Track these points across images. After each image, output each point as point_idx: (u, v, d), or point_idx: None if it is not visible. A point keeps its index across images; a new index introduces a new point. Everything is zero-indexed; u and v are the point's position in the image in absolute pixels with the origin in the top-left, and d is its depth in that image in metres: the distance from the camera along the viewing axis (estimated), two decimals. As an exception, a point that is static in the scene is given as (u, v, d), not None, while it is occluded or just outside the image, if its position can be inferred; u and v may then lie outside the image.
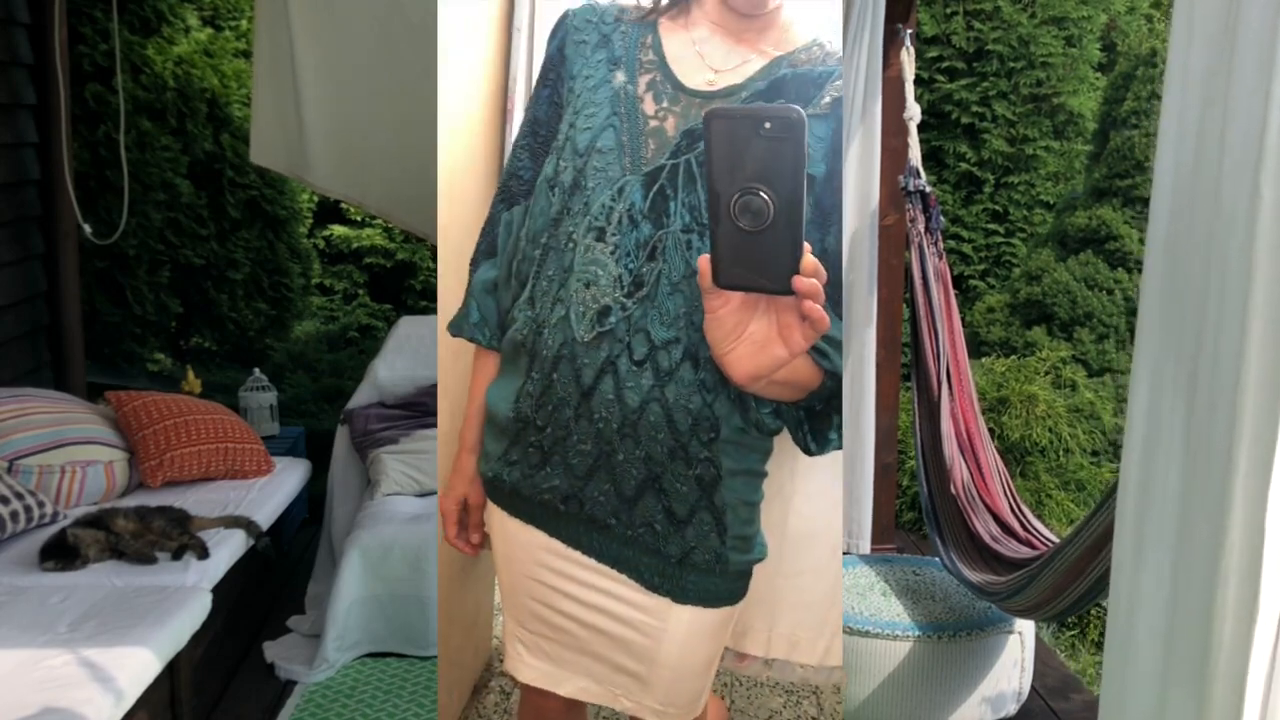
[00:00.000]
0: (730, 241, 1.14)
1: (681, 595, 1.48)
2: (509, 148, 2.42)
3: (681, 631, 1.49)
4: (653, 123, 1.43)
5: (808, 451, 1.44)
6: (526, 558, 1.54)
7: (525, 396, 1.46)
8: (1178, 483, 1.16)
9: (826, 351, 1.34)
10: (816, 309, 1.14)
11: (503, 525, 1.57)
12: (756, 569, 1.54)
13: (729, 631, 1.57)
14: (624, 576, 1.48)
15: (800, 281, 1.12)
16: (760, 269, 1.14)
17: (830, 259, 1.38)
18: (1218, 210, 1.09)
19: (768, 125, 1.11)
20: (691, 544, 1.45)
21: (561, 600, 1.53)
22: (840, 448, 1.45)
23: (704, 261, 1.17)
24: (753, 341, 1.20)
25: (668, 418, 1.39)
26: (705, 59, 1.46)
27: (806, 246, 1.13)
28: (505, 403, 1.50)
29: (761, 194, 1.12)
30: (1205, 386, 1.11)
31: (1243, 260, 1.06)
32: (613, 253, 1.39)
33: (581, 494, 1.46)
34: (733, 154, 1.12)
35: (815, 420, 1.42)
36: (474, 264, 1.65)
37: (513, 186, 1.58)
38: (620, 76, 1.46)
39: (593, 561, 1.49)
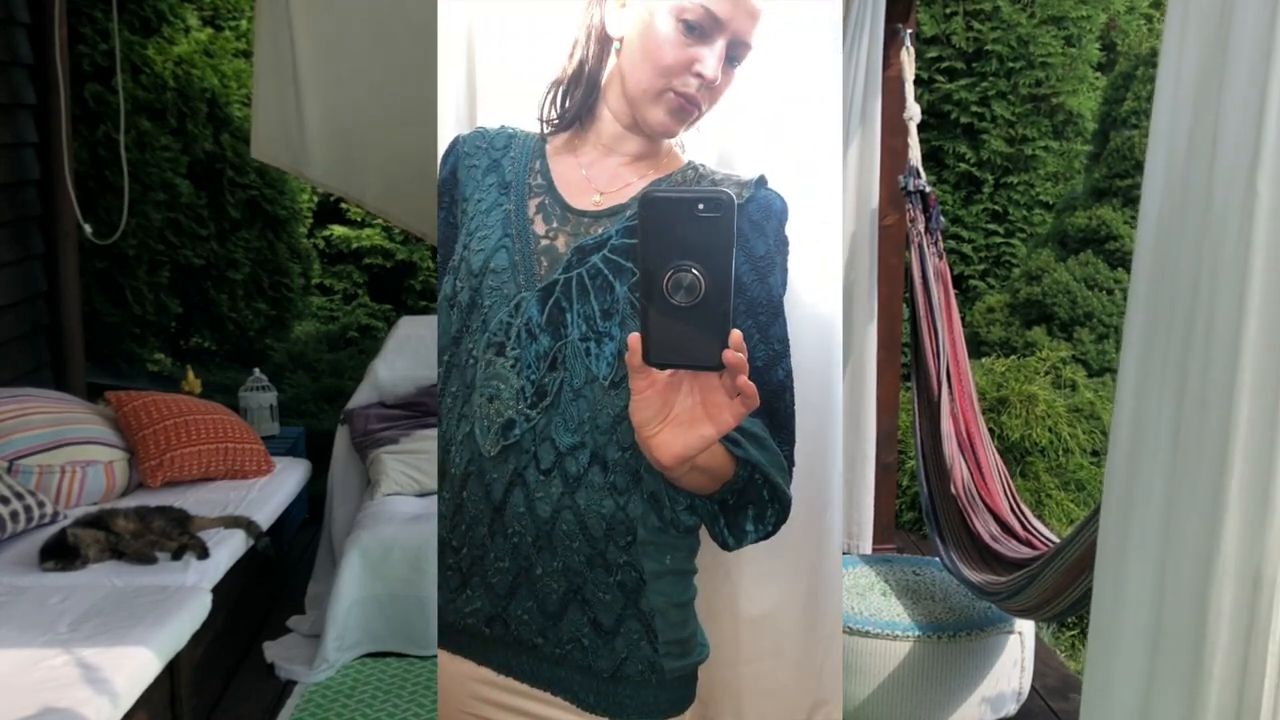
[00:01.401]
0: (661, 320, 1.15)
1: (619, 712, 1.41)
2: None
3: None
4: (544, 241, 1.46)
5: (725, 547, 1.40)
6: (459, 690, 1.49)
7: (442, 519, 1.46)
8: (1164, 483, 1.15)
9: (739, 440, 1.31)
10: (749, 383, 1.13)
11: (438, 658, 1.54)
12: (717, 657, 1.48)
13: None
14: (559, 699, 1.43)
15: (730, 355, 1.12)
16: (692, 345, 1.15)
17: (778, 347, 1.43)
18: (1208, 211, 1.09)
19: (700, 206, 1.14)
20: (622, 655, 1.40)
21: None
22: (762, 538, 1.40)
23: (634, 340, 1.16)
24: (679, 422, 1.18)
25: (581, 525, 1.38)
26: (591, 182, 1.50)
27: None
28: (442, 522, 1.50)
29: (694, 270, 1.14)
30: (1196, 387, 1.11)
31: (1237, 261, 1.05)
32: (513, 366, 1.40)
33: (505, 614, 1.42)
34: (666, 233, 1.15)
35: (730, 514, 1.37)
36: None
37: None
38: (511, 200, 1.50)
39: (525, 687, 1.44)
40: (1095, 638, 1.26)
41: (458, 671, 1.49)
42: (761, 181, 1.46)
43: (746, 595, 1.84)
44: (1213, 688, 1.10)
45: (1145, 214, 1.19)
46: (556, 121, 1.55)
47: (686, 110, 1.44)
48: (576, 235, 1.46)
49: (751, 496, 1.36)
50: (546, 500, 1.38)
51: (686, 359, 1.16)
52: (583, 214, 1.47)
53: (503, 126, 1.60)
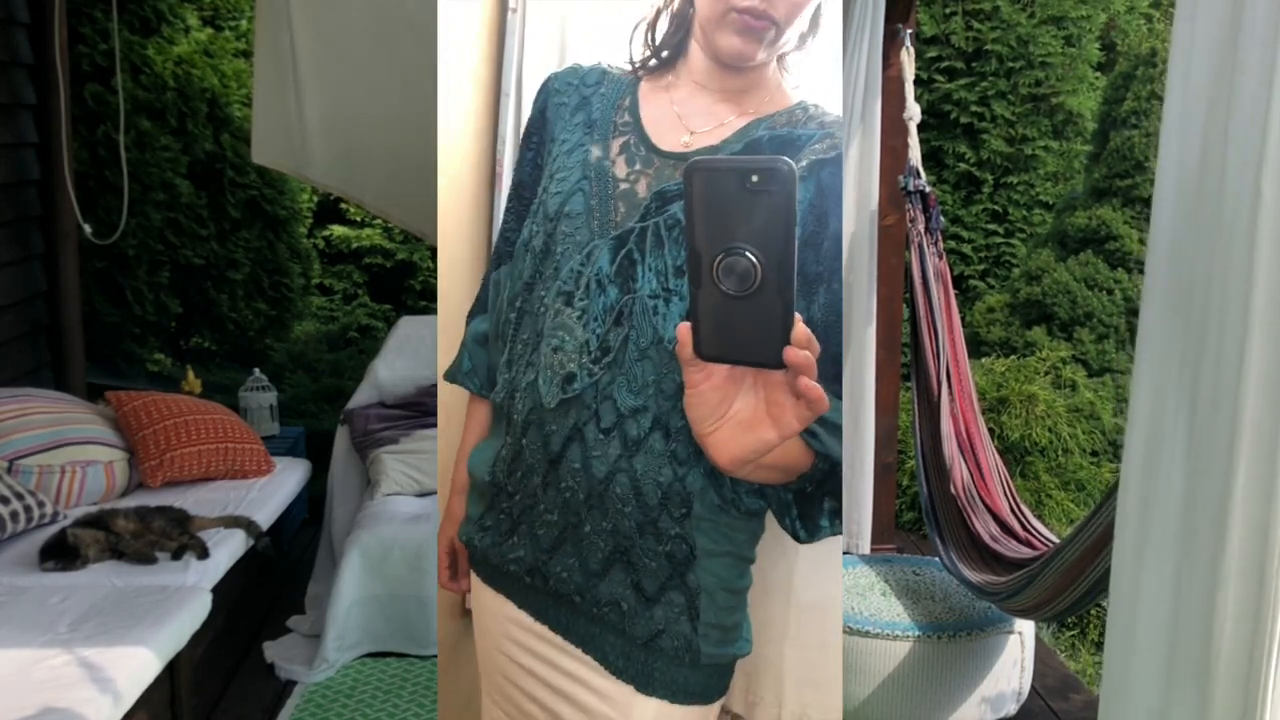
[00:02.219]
0: (713, 308, 1.01)
1: (647, 684, 1.36)
2: (503, 169, 2.41)
3: None
4: (623, 185, 1.38)
5: (796, 539, 1.31)
6: (496, 629, 1.49)
7: (500, 461, 1.42)
8: (1181, 484, 1.16)
9: (818, 433, 1.21)
10: (814, 387, 0.99)
11: (478, 592, 1.52)
12: (765, 634, 1.42)
13: None
14: (589, 658, 1.39)
15: (792, 353, 0.98)
16: (747, 339, 1.00)
17: (819, 330, 1.28)
18: (1220, 211, 1.09)
19: (754, 178, 0.97)
20: (660, 626, 1.34)
21: (526, 679, 1.46)
22: (836, 534, 1.30)
23: (684, 330, 1.03)
24: (738, 422, 1.06)
25: (636, 490, 1.31)
26: (683, 120, 1.41)
27: (798, 316, 1.00)
28: (484, 466, 1.47)
29: (748, 254, 0.98)
30: (1208, 388, 1.11)
31: (1244, 261, 1.06)
32: (579, 318, 1.33)
33: (546, 567, 1.39)
34: (715, 210, 0.99)
35: (805, 504, 1.28)
36: (470, 317, 1.65)
37: (501, 248, 1.57)
38: (594, 140, 1.42)
39: (559, 639, 1.41)
40: (1113, 637, 1.27)
41: (498, 610, 1.47)
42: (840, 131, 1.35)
43: (802, 579, 1.77)
44: (1219, 686, 1.11)
45: (1158, 216, 1.19)
46: (650, 60, 1.47)
47: (755, 29, 1.31)
48: (659, 179, 1.37)
49: (830, 489, 1.26)
50: (603, 460, 1.32)
51: (741, 353, 1.02)
52: (669, 155, 1.38)
53: (598, 63, 1.51)
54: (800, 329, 0.99)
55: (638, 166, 1.38)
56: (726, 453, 1.07)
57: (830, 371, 1.19)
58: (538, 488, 1.37)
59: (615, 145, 1.41)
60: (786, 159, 0.98)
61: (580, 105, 1.46)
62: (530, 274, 1.40)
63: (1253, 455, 1.07)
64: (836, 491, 1.27)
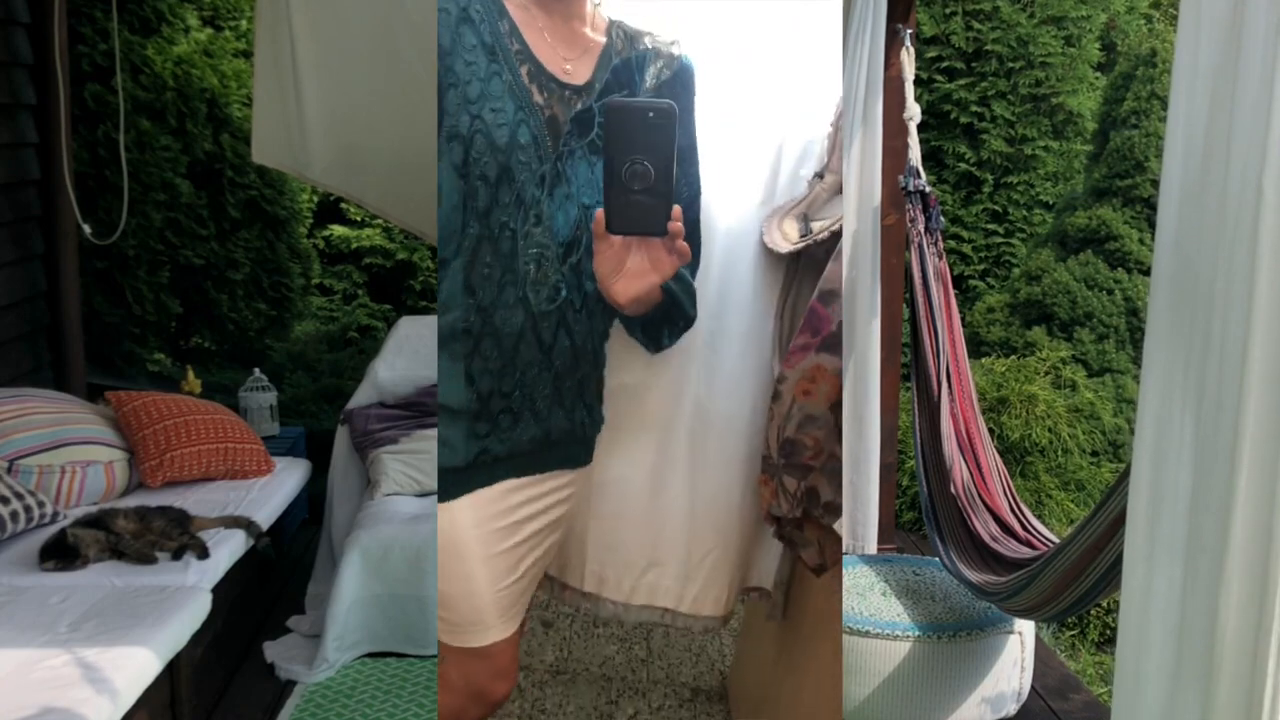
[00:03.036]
0: (621, 199, 1.55)
1: (588, 460, 1.87)
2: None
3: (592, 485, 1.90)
4: (546, 113, 1.67)
5: (648, 349, 1.84)
6: (494, 512, 1.74)
7: (485, 374, 1.67)
8: (1188, 483, 1.16)
9: (669, 281, 1.66)
10: (685, 244, 1.57)
11: (472, 506, 1.72)
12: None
13: None
14: (563, 469, 1.81)
15: (674, 224, 1.55)
16: (644, 217, 1.55)
17: (684, 200, 1.76)
18: (1224, 211, 1.10)
19: (650, 114, 1.53)
20: (603, 420, 1.86)
21: (523, 528, 1.77)
22: (670, 344, 1.83)
23: (600, 214, 1.56)
24: (632, 274, 1.60)
25: (594, 342, 1.78)
26: (553, 48, 1.71)
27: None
28: (459, 395, 1.67)
29: (645, 162, 1.53)
30: (1213, 387, 1.12)
31: (1247, 261, 1.06)
32: (548, 235, 1.67)
33: (546, 427, 1.75)
34: (625, 134, 1.53)
35: (651, 328, 1.79)
36: None
37: None
38: (504, 69, 1.64)
39: (547, 474, 1.78)
40: (1124, 635, 1.27)
41: (494, 495, 1.73)
42: (676, 43, 1.78)
43: (599, 464, 2.03)
44: (1222, 684, 1.11)
45: (1164, 215, 1.20)
46: None
47: None
48: (566, 106, 1.69)
49: (670, 315, 1.77)
50: (581, 333, 1.74)
51: (639, 227, 1.57)
52: (564, 85, 1.70)
53: None
54: (677, 209, 1.56)
55: (548, 96, 1.68)
56: (625, 294, 1.62)
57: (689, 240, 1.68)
58: (535, 378, 1.71)
59: (524, 73, 1.67)
60: (671, 101, 1.54)
61: (462, 18, 1.61)
62: (486, 202, 1.62)
63: (1255, 454, 1.08)
64: (674, 322, 1.79)
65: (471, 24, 1.61)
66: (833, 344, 1.67)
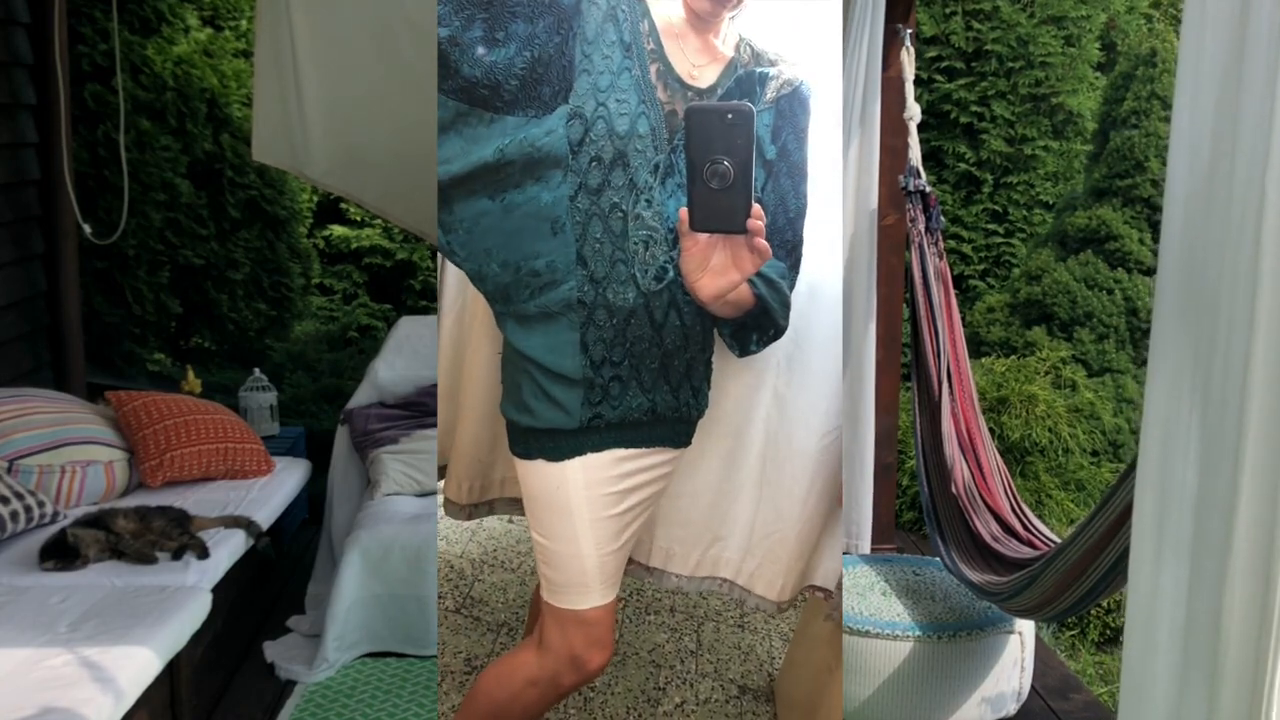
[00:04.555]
0: (703, 198, 1.59)
1: (686, 441, 1.93)
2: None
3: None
4: (666, 108, 1.75)
5: (732, 351, 1.88)
6: (604, 478, 1.83)
7: (595, 345, 1.76)
8: (1194, 482, 1.16)
9: (758, 283, 1.75)
10: (764, 243, 1.61)
11: (584, 468, 1.81)
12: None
13: None
14: (665, 446, 1.87)
15: (753, 223, 1.59)
16: (724, 216, 1.59)
17: (790, 215, 1.84)
18: (1229, 212, 1.10)
19: (729, 116, 1.57)
20: (705, 405, 1.92)
21: (627, 499, 1.85)
22: (758, 351, 1.87)
23: (683, 212, 1.62)
24: (715, 270, 1.65)
25: (705, 325, 1.84)
26: (685, 53, 1.79)
27: (756, 200, 1.59)
28: (570, 361, 1.76)
29: (725, 162, 1.57)
30: (1219, 386, 1.12)
31: (1251, 261, 1.07)
32: (656, 218, 1.73)
33: (654, 400, 1.83)
34: (705, 135, 1.57)
35: (741, 331, 1.85)
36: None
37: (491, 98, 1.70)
38: (635, 65, 1.73)
39: (651, 450, 1.86)
40: (1131, 636, 1.27)
41: (601, 462, 1.81)
42: (798, 73, 1.85)
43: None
44: (1226, 684, 1.11)
45: (1169, 215, 1.20)
46: None
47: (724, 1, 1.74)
48: (685, 104, 1.75)
49: (759, 326, 1.83)
50: (690, 313, 1.80)
51: (720, 225, 1.61)
52: (687, 87, 1.78)
53: None
54: (756, 208, 1.59)
55: (671, 93, 1.76)
56: (708, 291, 1.67)
57: (782, 244, 1.82)
58: (644, 351, 1.79)
59: (653, 71, 1.75)
60: (748, 103, 1.59)
61: (608, 16, 1.72)
62: (599, 181, 1.70)
63: (1258, 453, 1.08)
64: (764, 329, 1.84)
65: (615, 21, 1.72)
66: None
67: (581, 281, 1.74)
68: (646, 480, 1.87)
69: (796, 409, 2.04)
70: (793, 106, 1.84)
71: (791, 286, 1.86)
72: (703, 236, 1.63)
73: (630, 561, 2.10)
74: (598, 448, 1.82)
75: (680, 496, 2.08)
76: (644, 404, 1.83)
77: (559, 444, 1.80)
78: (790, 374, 2.01)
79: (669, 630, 2.89)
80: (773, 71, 1.84)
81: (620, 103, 1.71)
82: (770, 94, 1.83)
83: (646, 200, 1.73)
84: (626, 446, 1.84)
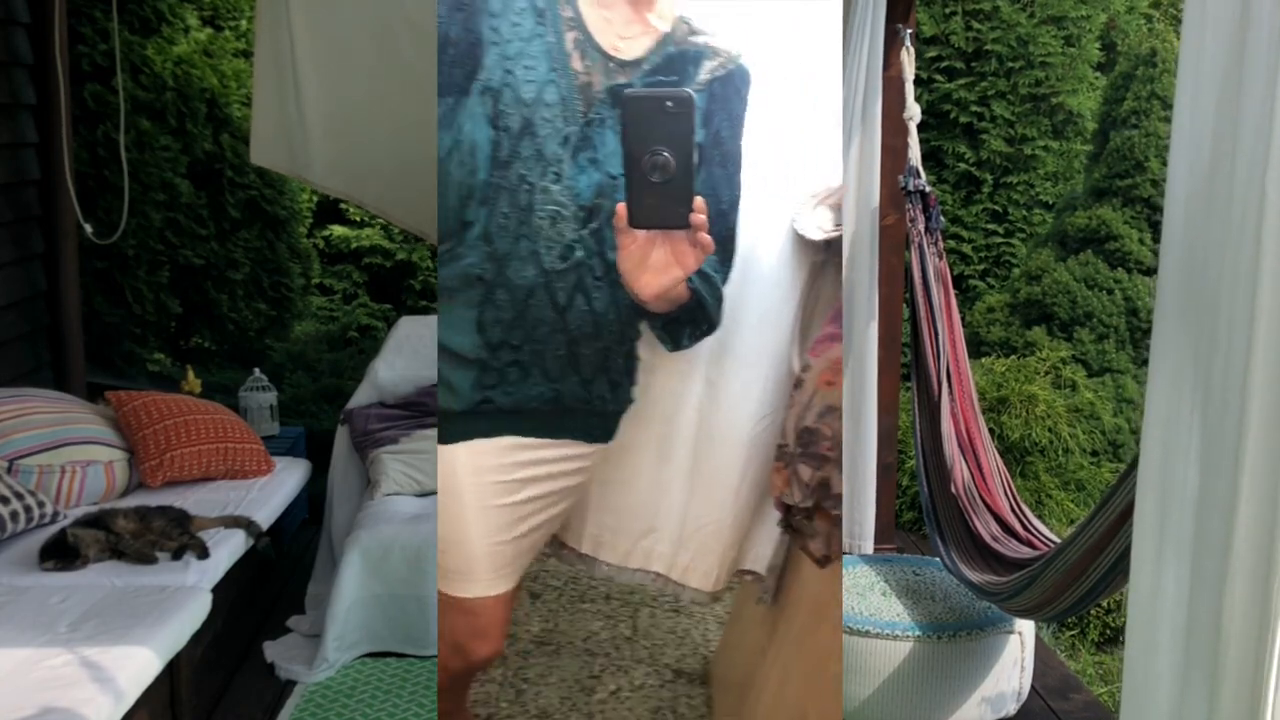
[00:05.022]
0: (642, 192, 1.53)
1: (608, 438, 1.88)
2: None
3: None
4: (581, 78, 1.70)
5: (666, 347, 1.83)
6: (494, 465, 1.79)
7: (497, 324, 1.72)
8: (1196, 483, 1.17)
9: (694, 279, 1.70)
10: (706, 236, 1.56)
11: (462, 455, 1.77)
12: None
13: None
14: (574, 440, 1.83)
15: (695, 217, 1.54)
16: (666, 211, 1.53)
17: (722, 206, 1.77)
18: (1229, 212, 1.10)
19: (669, 104, 1.50)
20: (628, 398, 1.86)
21: (524, 489, 1.81)
22: (689, 346, 1.83)
23: (621, 207, 1.55)
24: (656, 268, 1.60)
25: (621, 314, 1.77)
26: (611, 24, 1.73)
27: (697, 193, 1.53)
28: (468, 340, 1.72)
29: (665, 154, 1.50)
30: (1219, 386, 1.12)
31: (1251, 261, 1.07)
32: (568, 194, 1.69)
33: (559, 390, 1.78)
34: (644, 126, 1.50)
35: (674, 326, 1.78)
36: None
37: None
38: (550, 31, 1.68)
39: (558, 442, 1.82)
40: (1133, 636, 1.27)
41: (490, 448, 1.78)
42: (739, 55, 1.77)
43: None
44: (1227, 684, 1.11)
45: (1170, 216, 1.20)
46: None
47: None
48: (606, 77, 1.71)
49: (694, 317, 1.77)
50: (602, 299, 1.75)
51: (661, 220, 1.55)
52: (610, 58, 1.72)
53: None
54: (698, 201, 1.54)
55: (589, 63, 1.71)
56: (650, 289, 1.61)
57: (714, 237, 1.67)
58: (547, 335, 1.74)
59: (569, 39, 1.70)
60: (689, 90, 1.53)
61: None
62: (507, 153, 1.67)
63: (1258, 453, 1.08)
64: (698, 324, 1.78)
65: None
66: None
67: (483, 258, 1.69)
68: (551, 473, 1.83)
69: (729, 395, 2.00)
70: (727, 90, 1.76)
71: (724, 280, 1.82)
72: (641, 233, 1.57)
73: (563, 547, 2.09)
74: (487, 433, 1.77)
75: (610, 483, 2.06)
76: (545, 393, 1.78)
77: (448, 426, 1.76)
78: (722, 360, 1.97)
79: (604, 618, 2.90)
80: (709, 51, 1.77)
81: (528, 69, 1.67)
82: (704, 75, 1.75)
83: (555, 174, 1.68)
84: (523, 435, 1.79)
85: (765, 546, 2.08)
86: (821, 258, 1.95)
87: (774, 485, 1.84)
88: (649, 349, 1.91)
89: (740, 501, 2.03)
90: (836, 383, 1.69)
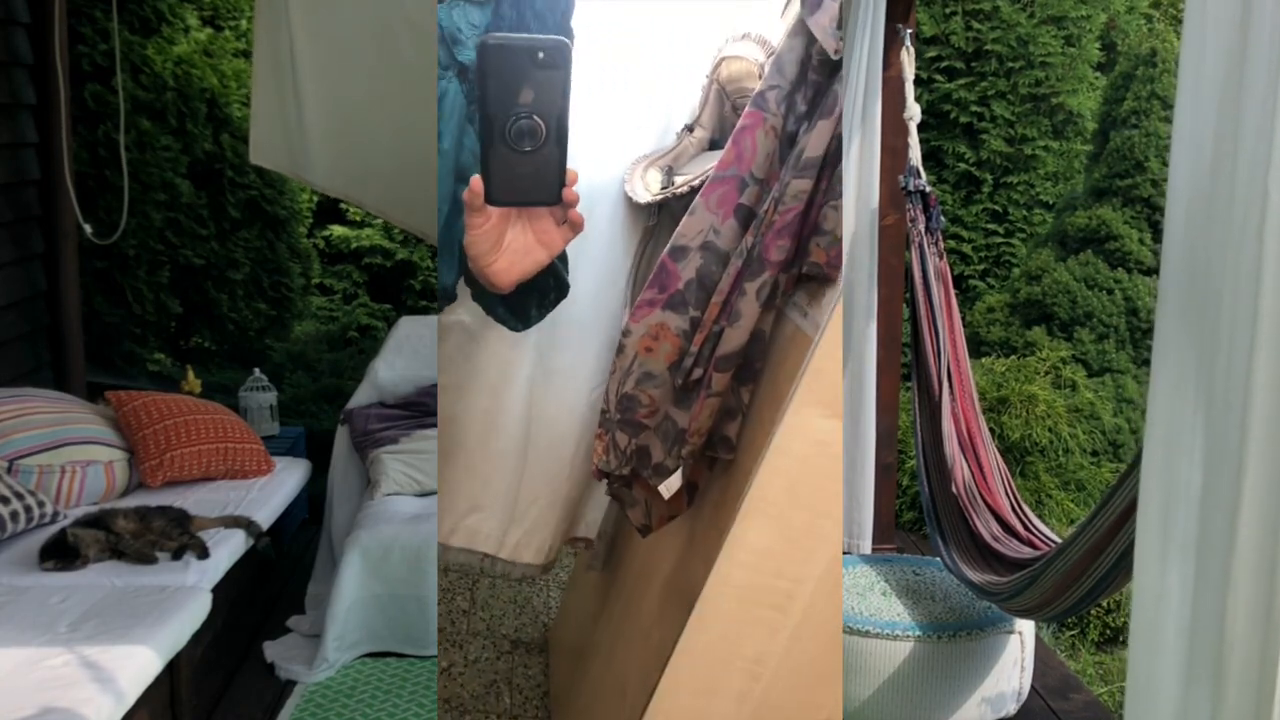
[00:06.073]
0: (504, 163, 1.24)
1: None
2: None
3: None
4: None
5: (514, 328, 1.64)
6: None
7: None
8: (1199, 483, 1.17)
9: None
10: (579, 214, 1.31)
11: None
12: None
13: None
14: None
15: (569, 192, 1.27)
16: (531, 185, 1.25)
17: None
18: (1231, 212, 1.10)
19: (541, 55, 1.20)
20: None
21: None
22: (541, 319, 1.61)
23: (476, 181, 1.25)
24: (514, 251, 1.32)
25: None
26: None
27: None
28: None
29: (535, 118, 1.21)
30: (1222, 386, 1.12)
31: (1254, 261, 1.07)
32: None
33: None
34: (506, 81, 1.20)
35: (517, 303, 1.56)
36: None
37: None
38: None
39: None
40: (1137, 636, 1.27)
41: None
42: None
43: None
44: (1231, 686, 1.11)
45: (1172, 216, 1.20)
46: None
47: None
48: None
49: (542, 287, 1.53)
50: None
51: (527, 197, 1.27)
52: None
53: None
54: (573, 173, 1.27)
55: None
56: (508, 277, 1.34)
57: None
58: None
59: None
60: (564, 39, 1.21)
61: None
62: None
63: (1262, 453, 1.08)
64: (545, 294, 1.55)
65: None
66: (678, 303, 1.58)
67: None
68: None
69: (561, 366, 1.91)
70: (519, 10, 1.52)
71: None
72: (496, 211, 1.28)
73: None
74: None
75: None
76: None
77: None
78: (553, 330, 1.84)
79: (440, 591, 2.84)
80: None
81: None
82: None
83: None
84: None
85: (596, 513, 2.05)
86: (654, 222, 1.88)
87: (595, 451, 1.75)
88: (476, 313, 1.74)
89: (574, 474, 1.96)
90: (655, 349, 1.60)
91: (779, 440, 1.43)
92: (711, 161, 1.69)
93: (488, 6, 1.49)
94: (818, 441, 1.39)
